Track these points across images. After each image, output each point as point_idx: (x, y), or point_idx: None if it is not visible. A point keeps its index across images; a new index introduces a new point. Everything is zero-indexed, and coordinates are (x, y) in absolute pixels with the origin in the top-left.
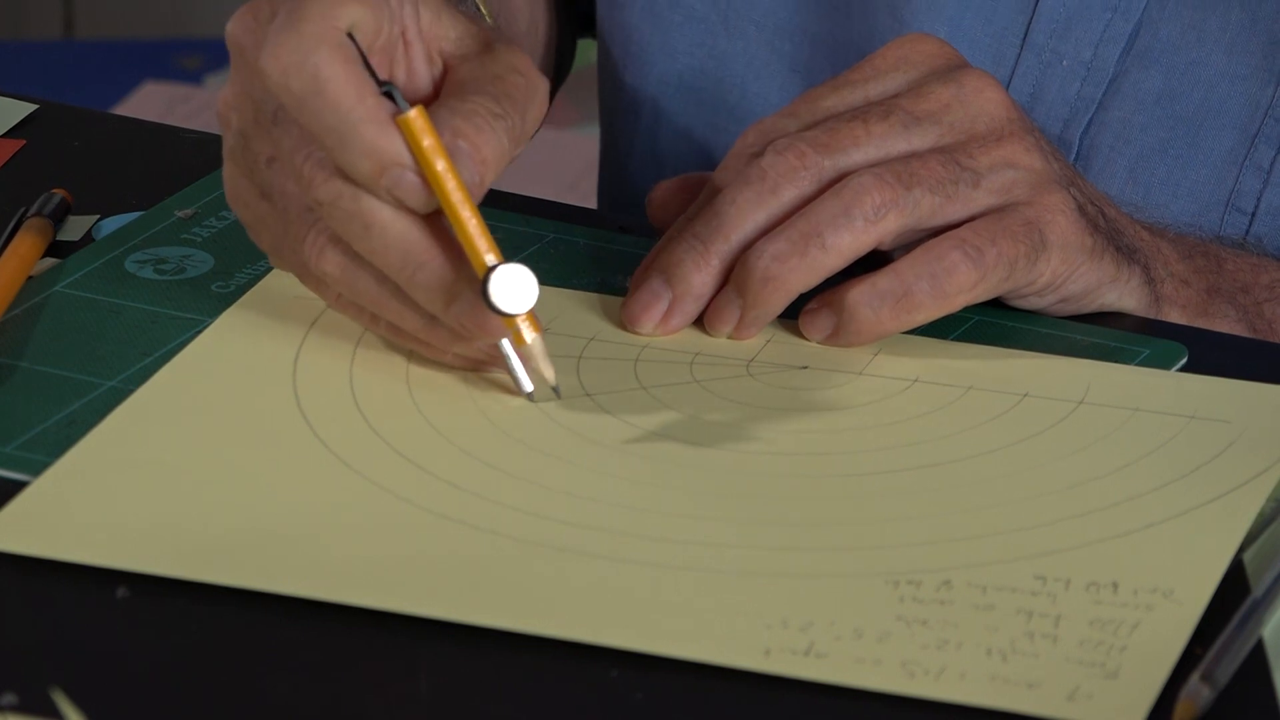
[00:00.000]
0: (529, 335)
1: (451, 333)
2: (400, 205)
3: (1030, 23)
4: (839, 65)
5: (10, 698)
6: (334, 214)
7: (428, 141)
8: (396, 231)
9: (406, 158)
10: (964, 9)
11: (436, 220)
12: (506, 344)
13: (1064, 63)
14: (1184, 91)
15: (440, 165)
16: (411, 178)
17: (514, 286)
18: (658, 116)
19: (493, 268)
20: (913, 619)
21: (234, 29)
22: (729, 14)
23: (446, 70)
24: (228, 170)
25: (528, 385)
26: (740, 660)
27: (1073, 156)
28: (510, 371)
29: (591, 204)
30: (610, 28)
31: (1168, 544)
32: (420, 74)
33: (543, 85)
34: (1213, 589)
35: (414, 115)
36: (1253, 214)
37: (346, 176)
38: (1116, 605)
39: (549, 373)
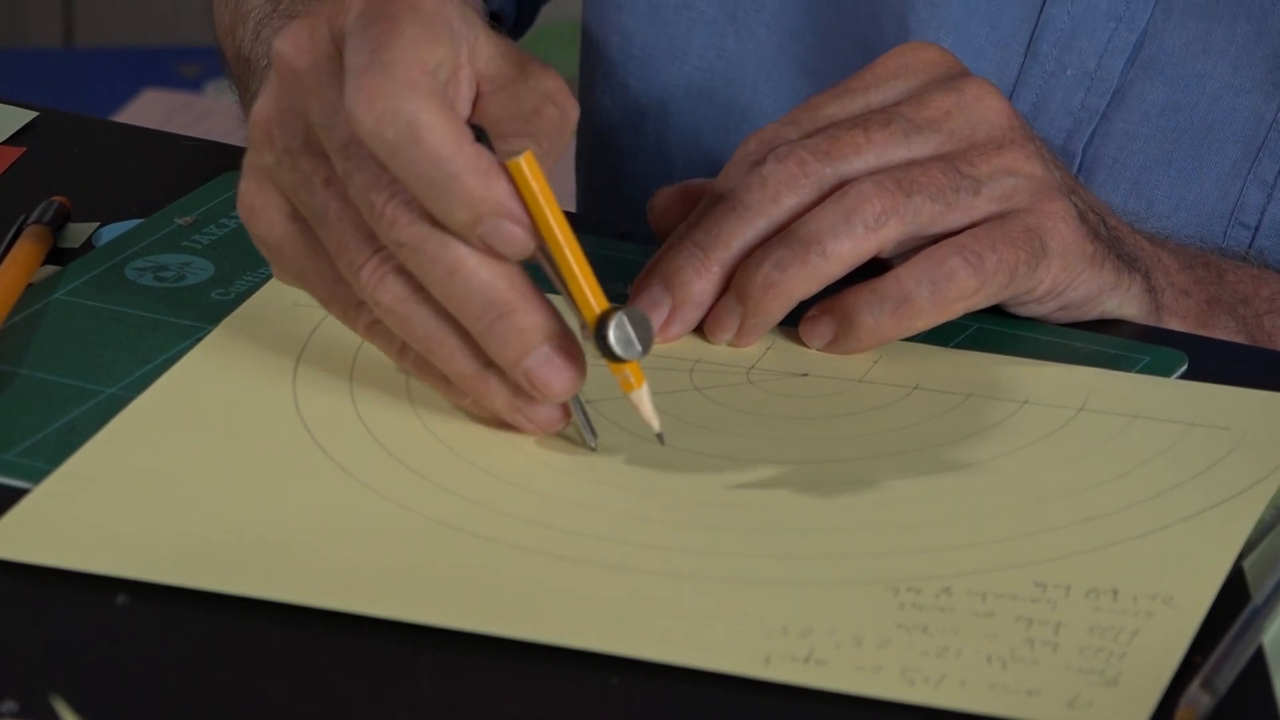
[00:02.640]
0: (635, 383)
1: (503, 384)
2: (488, 252)
3: (1035, 32)
4: (850, 68)
5: (10, 705)
6: (415, 257)
7: (538, 186)
8: (481, 279)
9: (507, 206)
10: (969, 18)
11: (518, 269)
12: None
13: (1068, 73)
14: (1188, 104)
15: (550, 210)
16: (509, 227)
17: (632, 331)
18: (666, 119)
19: (612, 310)
20: (913, 626)
21: (285, 48)
22: (738, 15)
23: (478, 94)
24: (252, 186)
25: (592, 440)
26: (740, 667)
27: (1076, 167)
28: (578, 422)
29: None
30: (603, 31)
31: (1167, 551)
32: (464, 100)
33: (575, 111)
34: (1213, 596)
35: (525, 161)
36: (1256, 228)
37: (433, 221)
38: (1116, 612)
39: (654, 422)
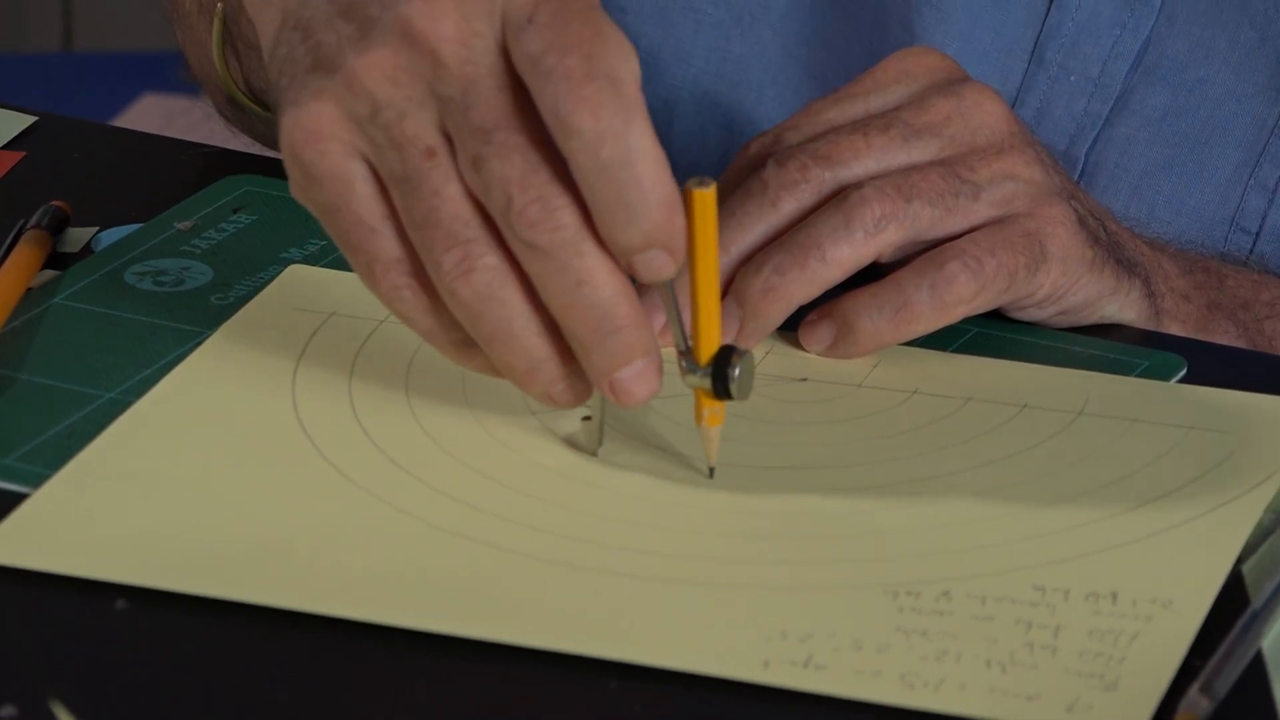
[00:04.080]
0: (718, 420)
1: (553, 377)
2: (615, 267)
3: (1039, 38)
4: (855, 72)
5: (9, 709)
6: (545, 262)
7: (711, 219)
8: (607, 294)
9: (676, 240)
10: (974, 24)
11: (631, 285)
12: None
13: (1071, 78)
14: (1190, 109)
15: (712, 243)
16: (665, 258)
17: (745, 375)
18: (670, 122)
19: (733, 350)
20: (912, 630)
21: (421, 13)
22: (744, 18)
23: None
24: (327, 114)
25: (598, 445)
26: (739, 672)
27: (1078, 172)
28: (595, 426)
29: None
30: None
31: (1167, 555)
32: None
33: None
34: (1212, 600)
35: (711, 193)
36: (1257, 233)
37: (578, 230)
38: (1116, 616)
39: (714, 458)
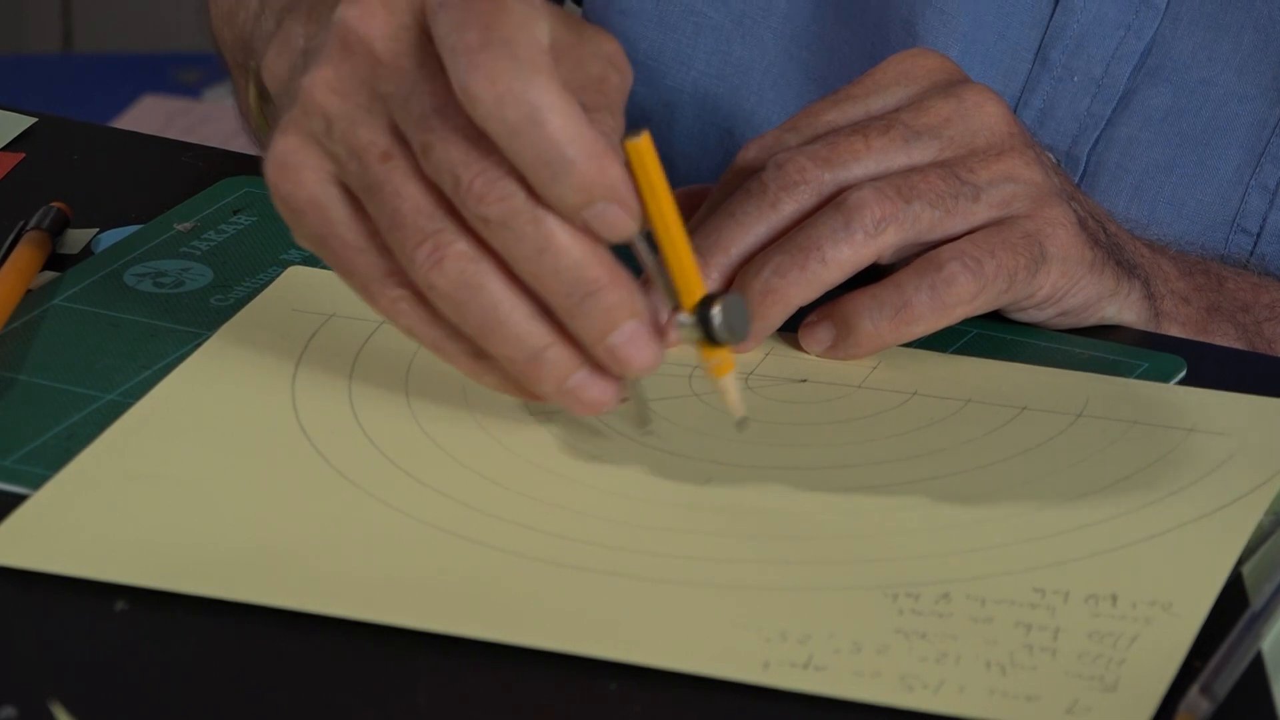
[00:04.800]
0: (726, 368)
1: (554, 367)
2: (587, 233)
3: (1044, 39)
4: (856, 75)
5: (9, 710)
6: (503, 234)
7: (652, 168)
8: (573, 258)
9: (620, 190)
10: (978, 25)
11: (604, 246)
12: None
13: (1075, 79)
14: (1192, 109)
15: (661, 191)
16: (617, 211)
17: (732, 316)
18: (671, 124)
19: (716, 294)
20: (911, 631)
21: (353, 16)
22: (744, 21)
23: None
24: (293, 144)
25: (647, 421)
26: (739, 673)
27: (1080, 172)
28: (637, 405)
29: None
30: None
31: (1166, 557)
32: None
33: (630, 74)
34: (1211, 602)
35: (643, 142)
36: (1258, 235)
37: (528, 197)
38: (1115, 618)
39: (739, 408)
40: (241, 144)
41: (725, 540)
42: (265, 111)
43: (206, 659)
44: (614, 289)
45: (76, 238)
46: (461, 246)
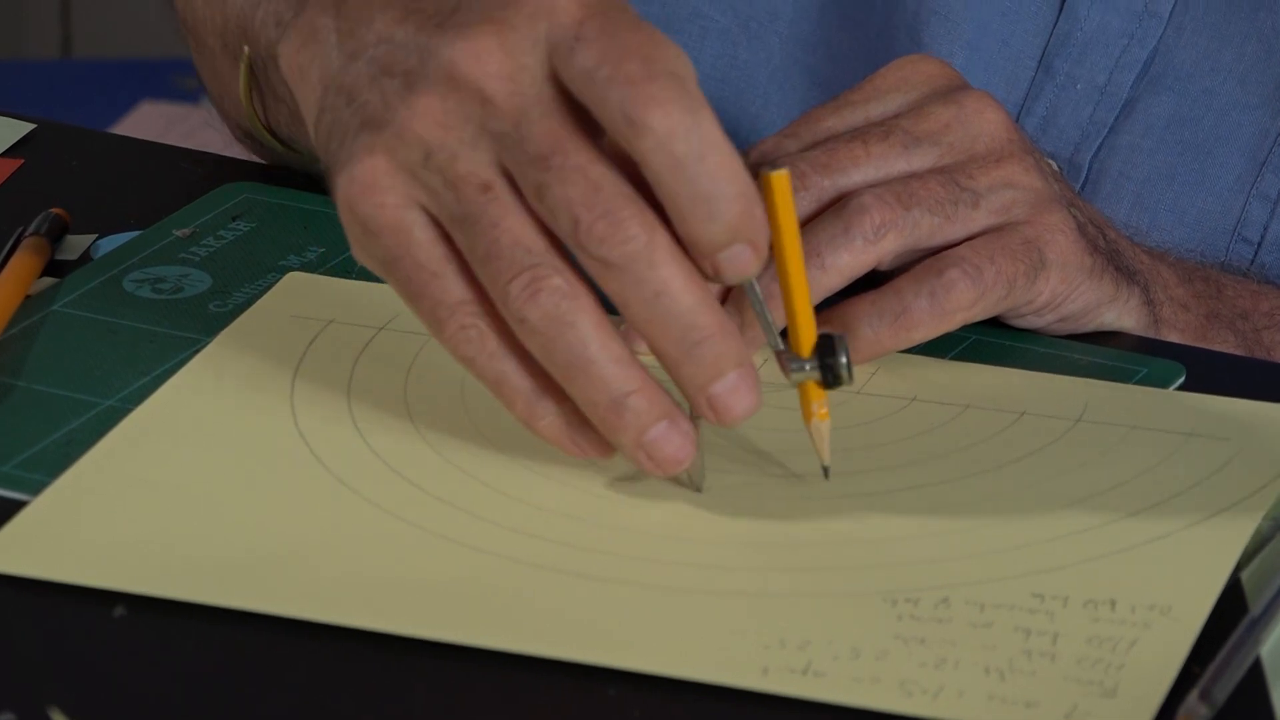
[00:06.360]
0: (825, 414)
1: (636, 417)
2: (693, 275)
3: (1047, 47)
4: (860, 80)
5: (8, 716)
6: (620, 277)
7: (784, 204)
8: (686, 303)
9: (759, 233)
10: (981, 33)
11: (713, 294)
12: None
13: (1078, 87)
14: (1194, 118)
15: (790, 231)
16: (749, 253)
17: (849, 358)
18: None
19: (836, 336)
20: (910, 637)
21: (466, 58)
22: (750, 25)
23: None
24: (382, 166)
25: (701, 481)
26: (738, 679)
27: (1082, 179)
28: (693, 465)
29: None
30: None
31: (1165, 562)
32: None
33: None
34: (1210, 607)
35: (784, 176)
36: (1259, 243)
37: (647, 242)
38: (1114, 623)
39: (826, 454)
40: (241, 150)
41: (723, 547)
42: (254, 98)
43: (205, 665)
44: (723, 338)
45: (75, 243)
46: (558, 282)
